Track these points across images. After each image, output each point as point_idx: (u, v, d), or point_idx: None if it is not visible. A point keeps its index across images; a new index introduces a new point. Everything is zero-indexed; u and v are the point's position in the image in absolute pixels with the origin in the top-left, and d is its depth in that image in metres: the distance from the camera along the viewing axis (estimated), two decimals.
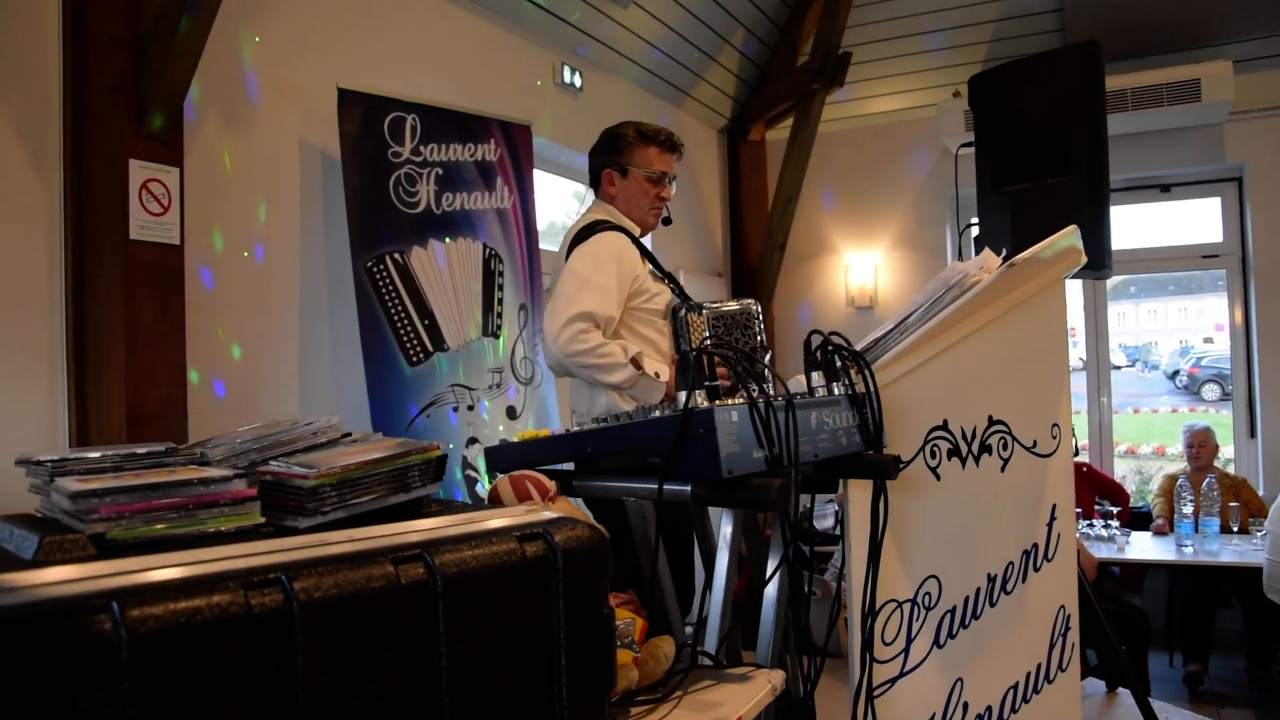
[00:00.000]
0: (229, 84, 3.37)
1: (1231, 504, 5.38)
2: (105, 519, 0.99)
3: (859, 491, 1.87)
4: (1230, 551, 4.99)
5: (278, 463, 1.16)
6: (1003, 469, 2.17)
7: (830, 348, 1.77)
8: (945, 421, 2.06)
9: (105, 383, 2.91)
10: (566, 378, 3.14)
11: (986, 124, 3.81)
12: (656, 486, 1.43)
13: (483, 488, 3.87)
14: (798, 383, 1.82)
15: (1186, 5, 5.63)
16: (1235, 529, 5.31)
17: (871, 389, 1.78)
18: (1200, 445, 5.62)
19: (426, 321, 3.73)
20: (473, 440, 3.86)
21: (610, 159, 3.21)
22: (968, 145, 4.01)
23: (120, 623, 0.77)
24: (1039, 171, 3.58)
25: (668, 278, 3.16)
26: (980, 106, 3.83)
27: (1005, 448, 2.18)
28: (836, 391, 1.76)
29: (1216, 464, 5.68)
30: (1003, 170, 3.73)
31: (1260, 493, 5.75)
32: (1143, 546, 5.22)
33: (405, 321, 3.66)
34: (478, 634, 0.99)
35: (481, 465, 3.87)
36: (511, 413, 4.06)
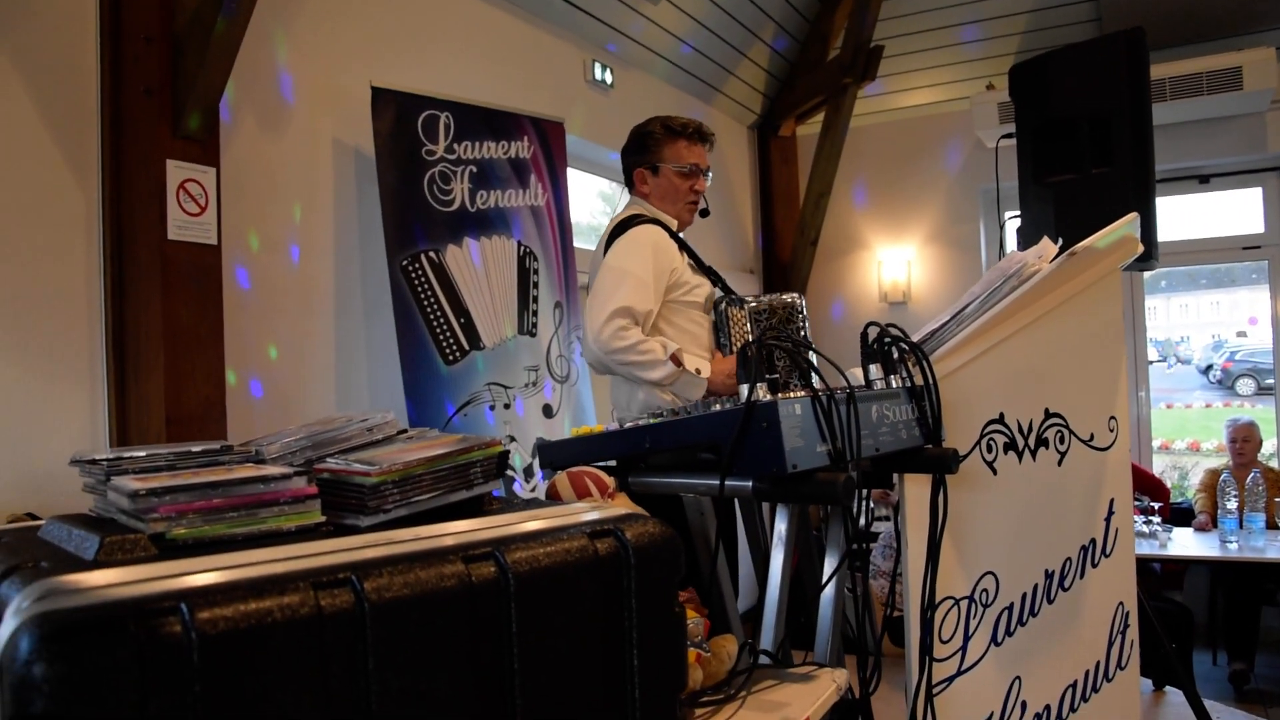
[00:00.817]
0: (264, 84, 3.37)
1: (1277, 499, 5.29)
2: (166, 518, 0.97)
3: (916, 487, 1.83)
4: (1276, 548, 4.90)
5: (335, 460, 1.13)
6: (1060, 463, 2.12)
7: (888, 339, 1.73)
8: (1001, 415, 2.01)
9: (145, 385, 2.91)
10: (605, 375, 3.12)
11: (1028, 114, 3.75)
12: (717, 482, 1.40)
13: (520, 486, 3.85)
14: (854, 375, 1.78)
15: None
16: None
17: (931, 382, 1.74)
18: (1245, 440, 5.53)
19: (462, 320, 3.71)
20: (510, 439, 3.84)
21: (641, 157, 3.19)
22: (1008, 137, 3.95)
23: (190, 624, 0.75)
24: (1082, 162, 3.52)
25: (709, 271, 3.13)
26: (1021, 97, 3.77)
27: (1062, 441, 2.13)
28: (895, 384, 1.72)
29: (1260, 459, 5.59)
30: (1045, 161, 3.67)
31: None
32: (1185, 542, 5.14)
33: (441, 320, 3.64)
34: (550, 633, 0.95)
35: (518, 463, 3.85)
36: (548, 411, 4.04)
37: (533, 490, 3.90)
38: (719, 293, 3.04)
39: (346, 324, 3.63)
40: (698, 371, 2.83)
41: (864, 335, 1.76)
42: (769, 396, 1.38)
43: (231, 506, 0.99)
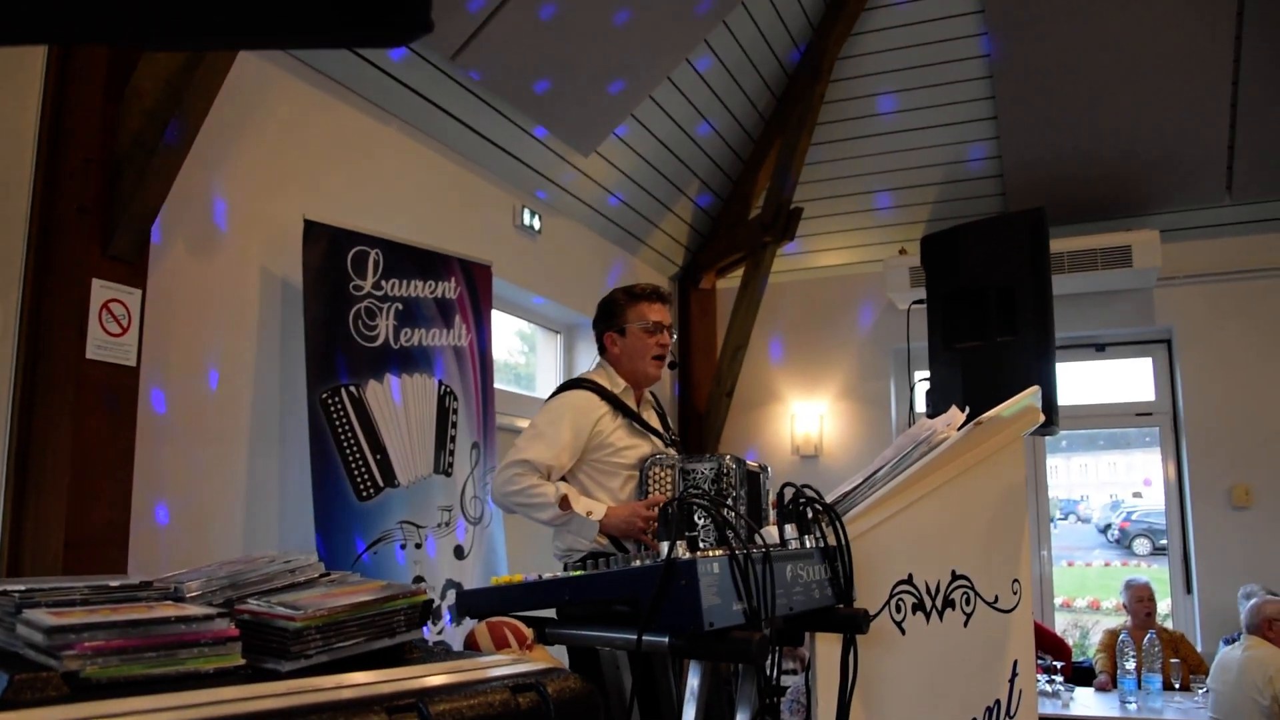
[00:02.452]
0: (198, 209, 3.39)
1: (1172, 660, 5.40)
2: (81, 656, 0.95)
3: (827, 645, 1.86)
4: (1173, 709, 4.99)
5: (257, 601, 1.12)
6: (965, 624, 2.18)
7: (803, 500, 1.78)
8: (910, 575, 2.07)
9: (45, 506, 2.82)
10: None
11: (938, 283, 3.94)
12: (634, 636, 1.41)
13: (428, 630, 3.77)
14: (770, 534, 1.82)
15: (1118, 176, 5.96)
16: (1176, 685, 5.32)
17: (843, 542, 1.79)
18: (1139, 601, 5.67)
19: (379, 456, 3.69)
20: (418, 579, 3.77)
21: (608, 323, 3.41)
22: (919, 302, 4.13)
23: None
24: (988, 329, 3.70)
25: (659, 434, 3.32)
26: (932, 266, 3.97)
27: (968, 603, 2.18)
28: (809, 544, 1.76)
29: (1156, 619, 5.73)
30: (953, 328, 3.85)
31: (1199, 648, 5.79)
32: (1087, 703, 5.20)
33: (357, 455, 3.61)
34: None
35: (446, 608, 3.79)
36: (459, 552, 3.99)
37: (440, 633, 3.82)
38: (658, 453, 3.21)
39: (261, 453, 3.58)
40: (589, 514, 3.00)
41: (780, 495, 1.81)
42: (688, 554, 1.41)
43: (150, 646, 0.98)
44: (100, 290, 2.91)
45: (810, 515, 1.81)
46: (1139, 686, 5.13)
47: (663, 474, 3.08)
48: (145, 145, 2.92)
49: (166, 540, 3.23)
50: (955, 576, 2.16)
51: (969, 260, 3.80)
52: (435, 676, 1.03)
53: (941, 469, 2.09)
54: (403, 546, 3.75)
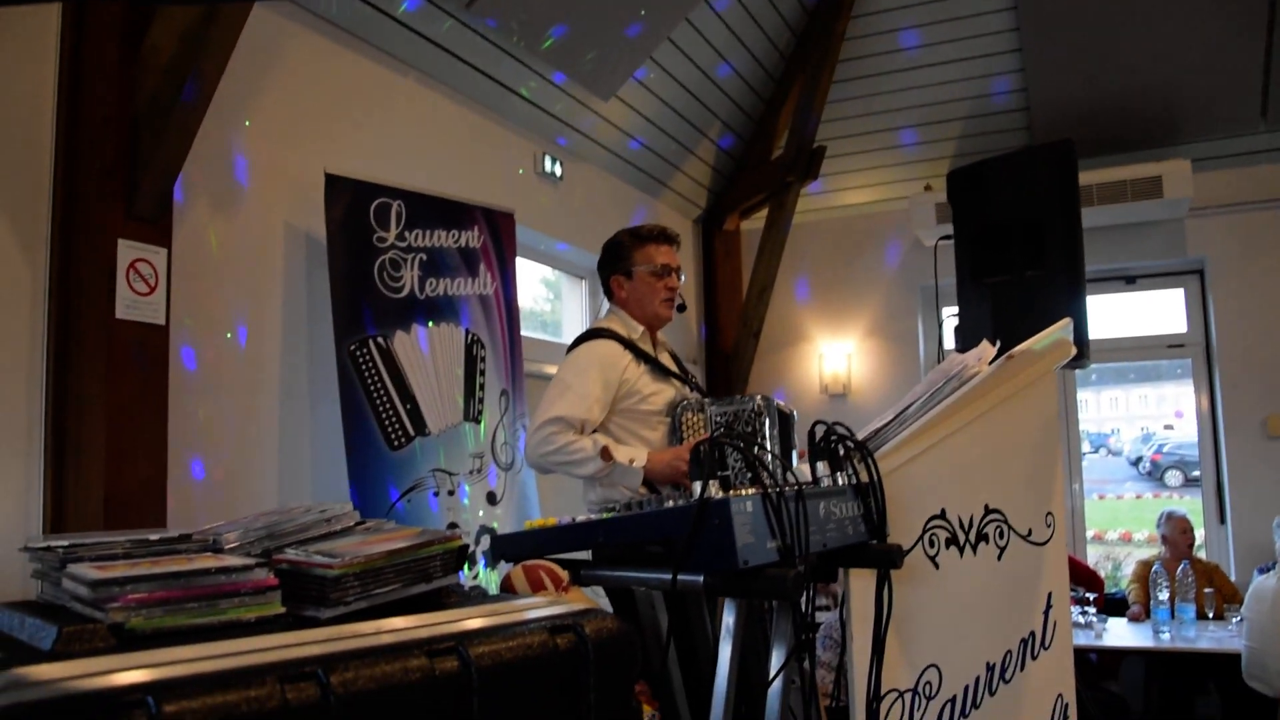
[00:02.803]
0: (219, 166, 3.39)
1: (1206, 590, 5.40)
2: (126, 608, 0.96)
3: (860, 582, 1.87)
4: (1207, 638, 5.00)
5: (295, 551, 1.14)
6: (999, 557, 2.18)
7: (834, 437, 1.78)
8: (943, 510, 2.06)
9: (84, 464, 2.86)
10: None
11: (965, 219, 3.89)
12: (669, 576, 1.42)
13: (463, 575, 3.81)
14: (802, 472, 1.82)
15: (1147, 107, 5.84)
16: (1210, 615, 5.32)
17: (875, 479, 1.78)
18: (1182, 533, 5.66)
19: (409, 405, 3.71)
20: (453, 525, 3.81)
21: (615, 267, 3.34)
22: (947, 238, 4.09)
23: (157, 717, 0.75)
24: (1017, 265, 3.65)
25: (680, 375, 3.28)
26: (959, 202, 3.92)
27: (1001, 536, 2.18)
28: (841, 481, 1.76)
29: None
30: (981, 263, 3.81)
31: (1232, 578, 5.79)
32: (1120, 633, 5.22)
33: (387, 405, 3.64)
34: None
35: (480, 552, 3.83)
36: (491, 498, 4.03)
37: (475, 578, 3.87)
38: (682, 398, 3.17)
39: (292, 407, 3.61)
40: (631, 461, 2.96)
41: (811, 433, 1.81)
42: (721, 494, 1.41)
43: (192, 597, 0.99)
44: (126, 250, 2.93)
45: (842, 452, 1.80)
46: (1172, 616, 5.14)
47: (695, 418, 3.04)
48: (163, 103, 2.91)
49: (203, 494, 3.27)
50: (988, 510, 2.16)
51: (996, 195, 3.74)
52: (473, 620, 1.04)
53: (973, 404, 2.08)
54: (436, 494, 3.78)
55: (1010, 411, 2.20)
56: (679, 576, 1.42)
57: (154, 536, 1.19)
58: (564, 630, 1.04)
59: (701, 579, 1.43)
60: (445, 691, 0.91)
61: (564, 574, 1.49)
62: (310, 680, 0.83)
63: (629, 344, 3.20)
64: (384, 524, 1.33)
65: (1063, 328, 2.20)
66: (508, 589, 1.47)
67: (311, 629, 1.00)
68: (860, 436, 1.93)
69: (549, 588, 1.44)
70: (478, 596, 1.22)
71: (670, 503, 1.46)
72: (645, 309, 3.29)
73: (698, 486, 1.41)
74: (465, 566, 3.74)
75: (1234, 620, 5.18)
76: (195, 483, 3.26)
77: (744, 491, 1.46)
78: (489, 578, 3.84)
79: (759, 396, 2.96)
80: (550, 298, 6.06)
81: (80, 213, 2.91)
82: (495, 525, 4.03)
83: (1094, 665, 5.55)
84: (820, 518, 1.61)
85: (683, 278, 3.35)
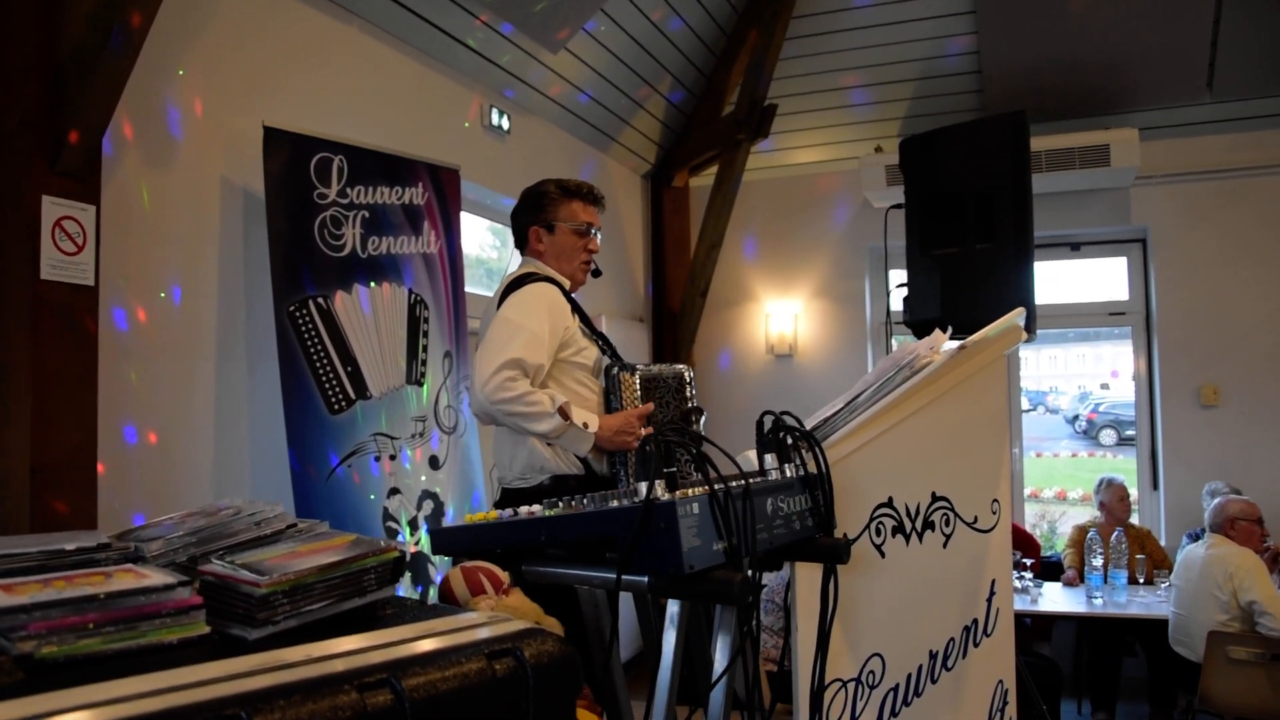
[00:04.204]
0: (150, 119, 3.26)
1: (1138, 556, 5.53)
2: (35, 636, 0.90)
3: (807, 572, 1.85)
4: (1137, 604, 5.13)
5: (221, 563, 1.08)
6: (945, 545, 2.17)
7: (783, 429, 1.74)
8: (890, 498, 2.05)
9: (9, 433, 2.76)
10: (491, 425, 3.11)
11: (916, 188, 3.87)
12: (613, 576, 1.38)
13: (404, 540, 3.77)
14: (748, 460, 1.79)
15: (1097, 75, 5.85)
16: (1141, 580, 5.45)
17: (824, 470, 1.76)
18: (1119, 500, 5.77)
19: (349, 368, 3.63)
20: (394, 491, 3.76)
21: (535, 216, 3.22)
22: (897, 206, 4.06)
23: None
24: (967, 236, 3.64)
25: (599, 337, 3.18)
26: (911, 170, 3.89)
27: (948, 524, 2.18)
28: (789, 473, 1.74)
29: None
30: (931, 234, 3.79)
31: (1162, 543, 5.93)
32: (1055, 598, 5.33)
33: (328, 368, 3.55)
34: None
35: (403, 516, 3.77)
36: (434, 462, 3.97)
37: (417, 544, 3.82)
38: (607, 359, 3.08)
39: (229, 370, 3.52)
40: (585, 425, 2.83)
41: (759, 424, 1.77)
42: (666, 495, 1.37)
43: (109, 621, 0.94)
44: (51, 207, 2.80)
45: (790, 442, 1.77)
46: (1105, 582, 5.25)
47: (632, 380, 2.96)
48: (89, 51, 2.77)
49: (137, 460, 3.18)
50: (935, 498, 2.15)
51: (948, 165, 3.72)
52: (408, 644, 0.99)
53: (923, 391, 2.06)
54: (377, 459, 3.72)
55: (959, 398, 2.19)
56: (623, 577, 1.39)
57: (70, 546, 1.12)
58: (502, 655, 0.99)
59: (646, 580, 1.39)
60: None
61: (504, 576, 1.45)
62: None
63: (565, 293, 3.08)
64: (317, 525, 1.27)
65: (1016, 315, 2.19)
66: (446, 592, 1.43)
67: (236, 656, 0.95)
68: (809, 425, 1.90)
69: (489, 591, 1.40)
70: (414, 609, 1.17)
71: (614, 502, 1.42)
72: (562, 266, 3.16)
73: (643, 487, 1.37)
74: (410, 531, 3.69)
75: (1163, 586, 5.32)
76: (128, 448, 3.17)
77: (691, 491, 1.43)
78: (427, 542, 3.80)
79: (684, 366, 2.92)
80: (497, 245, 5.96)
81: (1, 168, 2.77)
82: (438, 490, 3.98)
83: (1027, 629, 5.67)
84: (768, 514, 1.58)
85: (600, 239, 3.23)
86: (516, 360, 2.77)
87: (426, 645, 0.99)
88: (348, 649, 0.97)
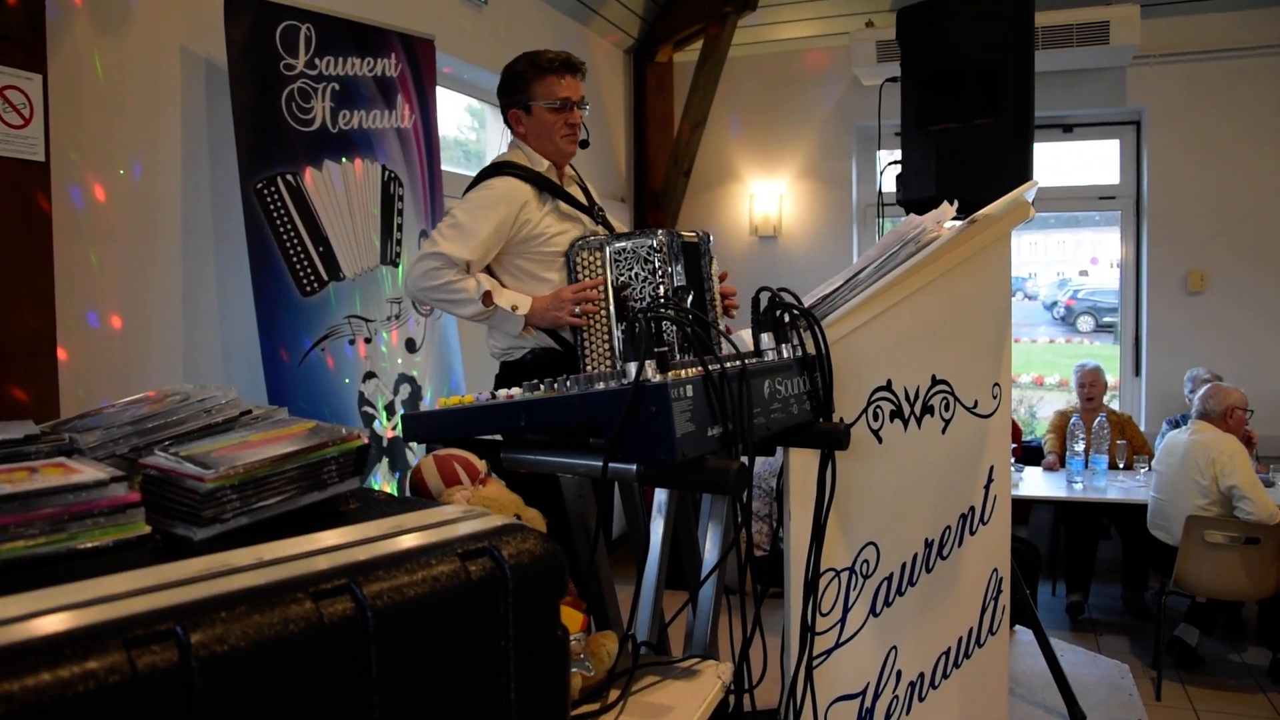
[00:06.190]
0: None
1: (1119, 441, 5.53)
2: None
3: (801, 458, 1.76)
4: (1116, 488, 5.15)
5: (165, 455, 0.97)
6: (944, 430, 2.09)
7: (780, 306, 1.63)
8: (889, 382, 1.96)
9: None
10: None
11: (913, 60, 3.67)
12: (599, 464, 1.28)
13: (380, 425, 3.68)
14: (742, 339, 1.68)
15: None
16: (1121, 466, 5.46)
17: (823, 351, 1.65)
18: (1092, 384, 5.76)
19: (321, 249, 3.48)
20: (370, 375, 3.65)
21: (513, 98, 3.09)
22: (893, 80, 3.88)
23: None
24: (967, 111, 3.48)
25: (588, 210, 3.08)
26: (908, 42, 3.69)
27: (947, 408, 2.09)
28: (786, 355, 1.63)
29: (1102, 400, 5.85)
30: (929, 109, 3.62)
31: (1142, 428, 5.93)
32: (1035, 483, 5.34)
33: (298, 248, 3.41)
34: (415, 674, 0.83)
35: (380, 401, 3.68)
36: (411, 345, 3.86)
37: (394, 428, 3.74)
38: (583, 236, 2.99)
39: (194, 250, 3.36)
40: (514, 308, 2.85)
41: (754, 301, 1.66)
42: (658, 377, 1.27)
43: (32, 521, 0.83)
44: None
45: (787, 321, 1.66)
46: (1085, 467, 5.24)
47: (591, 257, 2.88)
48: None
49: (101, 345, 3.06)
50: (935, 381, 2.06)
51: (948, 36, 3.53)
52: (372, 544, 0.89)
53: (926, 268, 1.94)
54: (351, 342, 3.60)
55: (963, 277, 2.07)
56: (610, 465, 1.29)
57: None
58: (477, 555, 0.89)
59: (635, 468, 1.30)
60: (335, 643, 0.77)
61: (481, 465, 1.35)
62: (166, 641, 0.68)
63: (534, 178, 2.99)
64: (275, 412, 1.16)
65: (1028, 189, 2.06)
66: (418, 482, 1.33)
67: (179, 560, 0.84)
68: (807, 303, 1.79)
69: (464, 481, 1.31)
70: (382, 502, 1.07)
71: (601, 384, 1.32)
72: (545, 145, 3.06)
73: (632, 368, 1.27)
74: (387, 416, 3.59)
75: (1142, 471, 5.33)
76: (92, 333, 3.04)
77: (684, 373, 1.32)
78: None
79: (660, 231, 2.78)
80: (475, 126, 5.75)
81: None
82: (415, 374, 3.87)
83: None
84: (765, 398, 1.48)
85: (586, 110, 3.09)
86: (442, 253, 2.84)
87: (392, 545, 0.89)
88: (303, 550, 0.87)
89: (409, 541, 0.90)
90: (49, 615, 0.69)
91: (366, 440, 1.05)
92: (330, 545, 0.88)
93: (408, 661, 0.82)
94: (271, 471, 0.95)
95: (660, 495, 1.72)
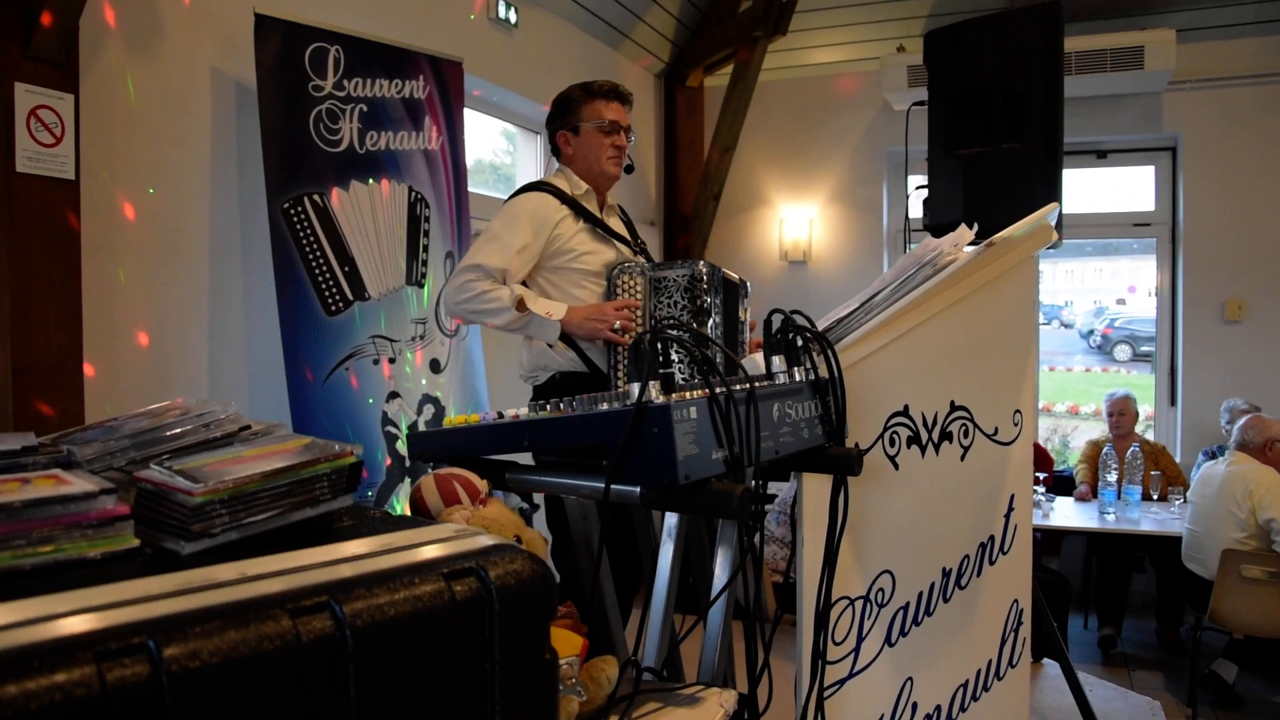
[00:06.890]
0: (133, 3, 3.08)
1: (1153, 472, 5.43)
2: None
3: (815, 483, 1.74)
4: (1150, 520, 5.05)
5: (159, 469, 0.96)
6: (963, 458, 2.06)
7: (793, 329, 1.61)
8: (906, 407, 1.93)
9: None
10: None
11: (941, 84, 3.66)
12: (601, 486, 1.27)
13: (403, 446, 3.69)
14: (754, 364, 1.67)
15: None
16: (1155, 496, 5.36)
17: (836, 375, 1.63)
18: (1121, 414, 5.67)
19: (346, 269, 3.50)
20: (394, 395, 3.66)
21: (562, 121, 3.19)
22: (920, 104, 3.86)
23: None
24: (994, 135, 3.45)
25: (626, 241, 3.15)
26: (935, 65, 3.67)
27: (966, 435, 2.06)
28: (798, 377, 1.61)
29: (1136, 429, 5.74)
30: (956, 132, 3.60)
31: (1177, 459, 5.83)
32: (1066, 513, 5.26)
33: (324, 268, 3.43)
34: (396, 695, 0.82)
35: (403, 421, 3.68)
36: (435, 366, 3.87)
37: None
38: (624, 261, 3.06)
39: (221, 269, 3.39)
40: (548, 314, 2.89)
41: (767, 323, 1.64)
42: (661, 398, 1.25)
43: (21, 532, 0.83)
44: (25, 95, 2.65)
45: (800, 344, 1.64)
46: (1119, 498, 5.16)
47: (632, 281, 2.94)
48: None
49: (129, 362, 3.09)
50: (954, 407, 2.02)
51: (975, 60, 3.51)
52: (358, 562, 0.88)
53: (945, 292, 1.92)
54: (375, 362, 3.62)
55: (984, 300, 2.04)
56: (613, 487, 1.28)
57: None
58: (463, 575, 0.88)
59: (638, 490, 1.28)
60: (312, 661, 0.75)
61: (482, 485, 1.34)
62: (138, 655, 0.67)
63: (568, 200, 3.06)
64: (275, 428, 1.16)
65: (1048, 212, 2.03)
66: (418, 501, 1.32)
67: (164, 573, 0.84)
68: (821, 326, 1.77)
69: (464, 501, 1.30)
70: (377, 521, 1.06)
71: (604, 405, 1.30)
72: (591, 167, 3.15)
73: (635, 387, 1.25)
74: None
75: (1177, 503, 5.23)
76: (119, 351, 3.07)
77: (688, 395, 1.31)
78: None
79: (702, 262, 2.80)
80: (510, 150, 5.79)
81: None
82: (439, 395, 3.88)
83: (1037, 543, 5.60)
84: (774, 421, 1.46)
85: (633, 139, 3.21)
86: (478, 265, 2.90)
87: (377, 564, 0.88)
88: (288, 566, 0.86)
89: (394, 560, 0.89)
90: (23, 627, 0.68)
91: (360, 458, 1.04)
92: (315, 562, 0.87)
93: (388, 682, 0.80)
94: (261, 487, 0.94)
95: (669, 519, 1.70)
